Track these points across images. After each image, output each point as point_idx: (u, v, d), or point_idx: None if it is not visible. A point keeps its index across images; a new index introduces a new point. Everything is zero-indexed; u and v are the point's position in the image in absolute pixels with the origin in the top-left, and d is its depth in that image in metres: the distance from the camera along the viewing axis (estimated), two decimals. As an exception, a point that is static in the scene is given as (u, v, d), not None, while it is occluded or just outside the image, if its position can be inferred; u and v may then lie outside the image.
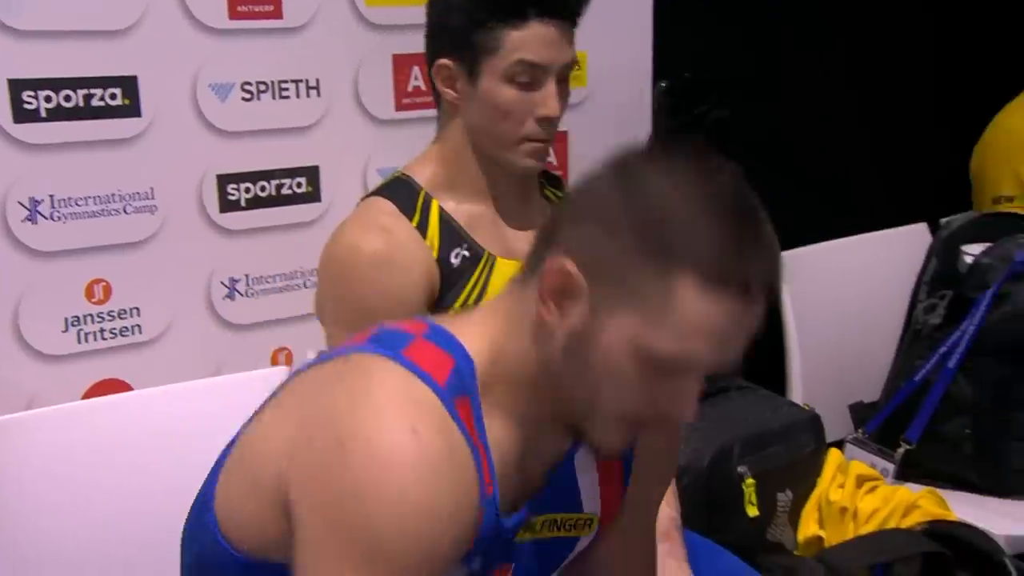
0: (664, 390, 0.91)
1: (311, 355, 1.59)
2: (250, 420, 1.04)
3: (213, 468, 1.07)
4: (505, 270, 1.52)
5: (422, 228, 1.49)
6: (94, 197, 1.70)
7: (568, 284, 0.91)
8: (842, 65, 2.82)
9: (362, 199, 1.57)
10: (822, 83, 2.77)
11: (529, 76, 1.45)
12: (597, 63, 2.15)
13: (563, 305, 0.92)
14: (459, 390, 0.93)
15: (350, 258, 1.47)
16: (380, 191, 1.55)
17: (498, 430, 0.96)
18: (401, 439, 0.87)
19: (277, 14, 1.83)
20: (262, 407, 1.03)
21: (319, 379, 0.98)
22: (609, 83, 2.21)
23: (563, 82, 1.50)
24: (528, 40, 1.43)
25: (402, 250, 1.46)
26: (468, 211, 1.54)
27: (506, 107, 1.46)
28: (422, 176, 1.54)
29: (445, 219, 1.51)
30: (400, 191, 1.52)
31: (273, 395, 1.03)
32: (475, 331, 0.97)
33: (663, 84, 2.27)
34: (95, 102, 1.68)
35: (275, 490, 0.93)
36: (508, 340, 0.96)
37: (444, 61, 1.48)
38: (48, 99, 1.64)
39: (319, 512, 0.88)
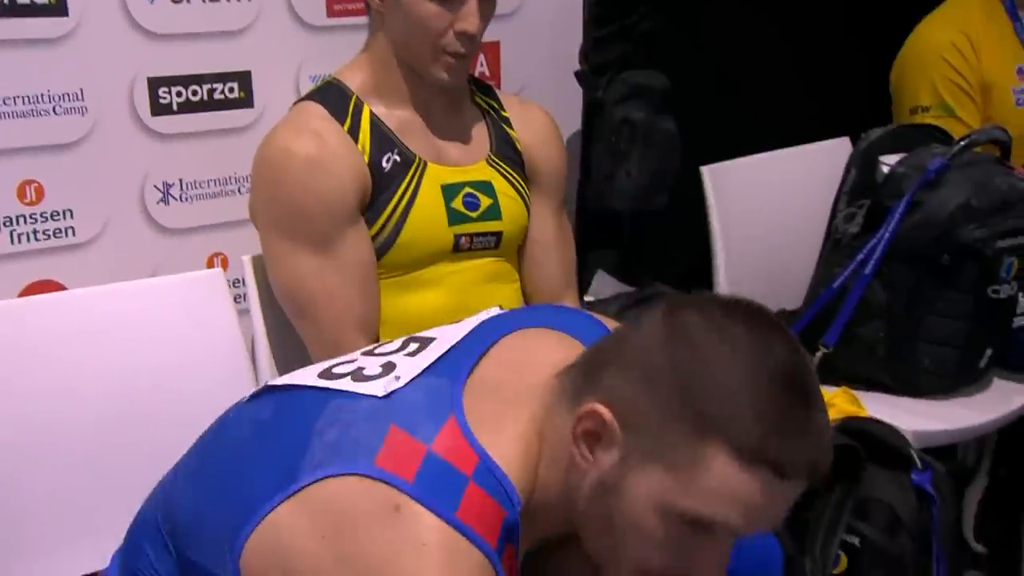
0: (690, 551, 0.92)
1: (246, 260, 1.61)
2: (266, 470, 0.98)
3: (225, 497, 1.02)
4: (436, 175, 1.55)
5: (353, 132, 1.51)
6: (23, 97, 1.69)
7: (603, 431, 0.92)
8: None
9: (294, 104, 1.58)
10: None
11: None
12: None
13: (595, 450, 0.93)
14: (506, 541, 0.93)
15: (282, 161, 1.48)
16: (312, 96, 1.56)
17: (524, 549, 0.99)
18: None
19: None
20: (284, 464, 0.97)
21: (365, 512, 0.91)
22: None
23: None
24: None
25: (334, 154, 1.48)
26: (399, 117, 1.55)
27: (425, 21, 1.47)
28: (353, 82, 1.55)
29: (376, 124, 1.52)
30: (332, 96, 1.53)
31: (289, 459, 0.96)
32: (521, 462, 0.95)
33: (593, -8, 2.27)
34: (22, 0, 1.66)
35: None
36: (547, 472, 0.96)
37: None
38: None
39: None
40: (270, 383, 1.12)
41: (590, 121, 2.34)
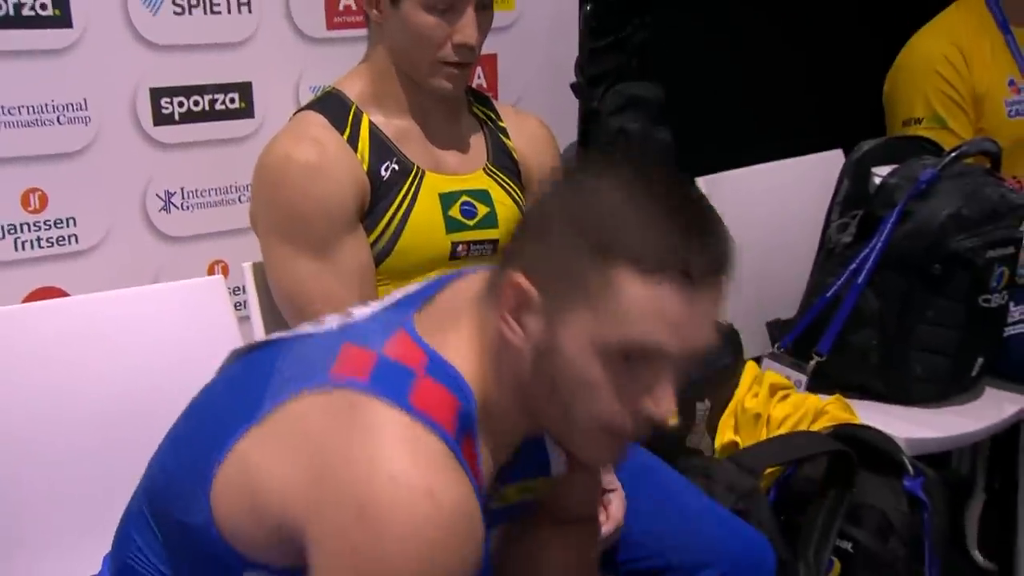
0: (635, 389, 0.93)
1: (246, 268, 1.63)
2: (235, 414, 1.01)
3: (187, 433, 1.08)
4: (433, 183, 1.57)
5: (352, 141, 1.53)
6: (27, 107, 1.71)
7: (522, 298, 0.94)
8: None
9: (294, 113, 1.60)
10: (746, 8, 2.81)
11: (447, 3, 1.48)
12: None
13: (523, 321, 0.95)
14: (464, 432, 0.95)
15: (282, 168, 1.50)
16: (312, 105, 1.58)
17: (488, 452, 1.00)
18: (420, 506, 0.87)
19: (209, -70, 1.84)
20: (245, 407, 1.00)
21: (322, 418, 0.95)
22: (537, 4, 2.24)
23: (484, 9, 1.53)
24: None
25: (333, 161, 1.50)
26: (397, 126, 1.57)
27: (423, 32, 1.49)
28: (352, 91, 1.57)
29: (375, 133, 1.54)
30: (331, 105, 1.56)
31: (259, 404, 0.99)
32: (471, 357, 0.98)
33: (588, 6, 2.30)
34: (26, 11, 1.68)
35: (278, 527, 0.94)
36: (493, 367, 0.98)
37: None
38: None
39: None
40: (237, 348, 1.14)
41: (586, 131, 2.36)
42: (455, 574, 0.89)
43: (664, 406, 0.93)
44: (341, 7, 2.02)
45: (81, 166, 1.78)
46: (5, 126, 1.70)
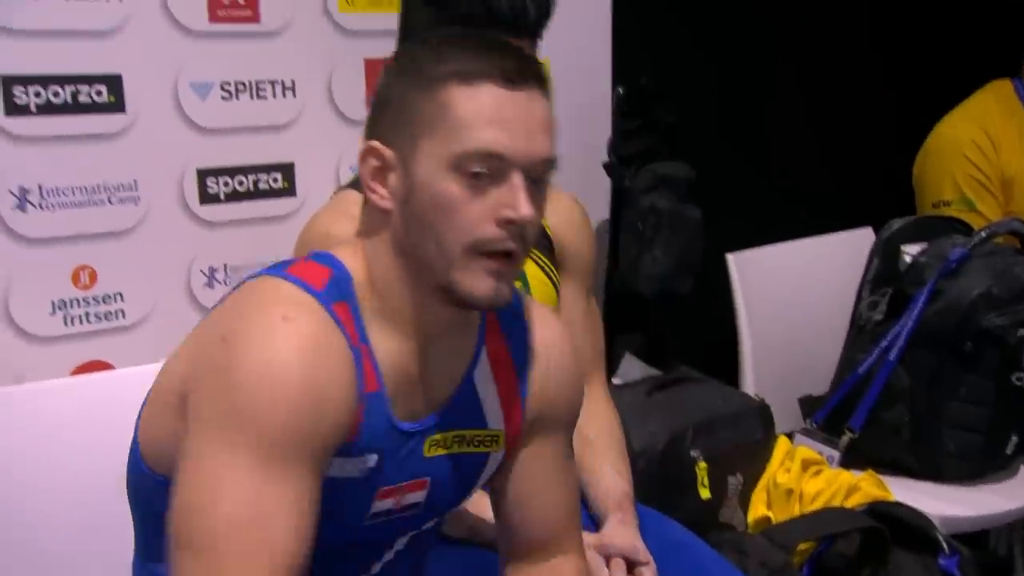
0: (493, 201, 1.01)
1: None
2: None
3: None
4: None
5: None
6: (80, 188, 1.77)
7: (379, 158, 1.04)
8: (794, 73, 2.90)
9: (335, 191, 1.65)
10: (775, 89, 2.86)
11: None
12: (558, 68, 2.21)
13: (384, 182, 1.05)
14: (337, 296, 1.03)
15: (322, 243, 1.54)
16: (352, 184, 1.62)
17: (383, 336, 1.06)
18: (272, 324, 0.98)
19: (255, 18, 1.91)
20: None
21: (221, 305, 1.07)
22: (569, 88, 2.27)
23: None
24: None
25: None
26: None
27: None
28: None
29: None
30: None
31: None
32: (350, 249, 1.09)
33: (620, 89, 2.35)
34: (82, 98, 1.75)
35: (180, 404, 1.02)
36: (375, 251, 1.07)
37: None
38: (38, 94, 1.71)
39: (203, 400, 0.98)
40: None
41: (617, 209, 2.40)
42: (297, 390, 0.96)
43: (521, 207, 1.00)
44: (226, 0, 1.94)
45: (130, 244, 1.83)
46: (60, 206, 1.75)
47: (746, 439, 1.88)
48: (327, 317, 1.01)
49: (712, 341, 2.34)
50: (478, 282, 1.03)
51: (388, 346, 1.06)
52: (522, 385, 1.19)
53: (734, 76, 2.74)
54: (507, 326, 1.18)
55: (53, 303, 1.78)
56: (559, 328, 1.24)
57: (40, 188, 1.73)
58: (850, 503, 1.82)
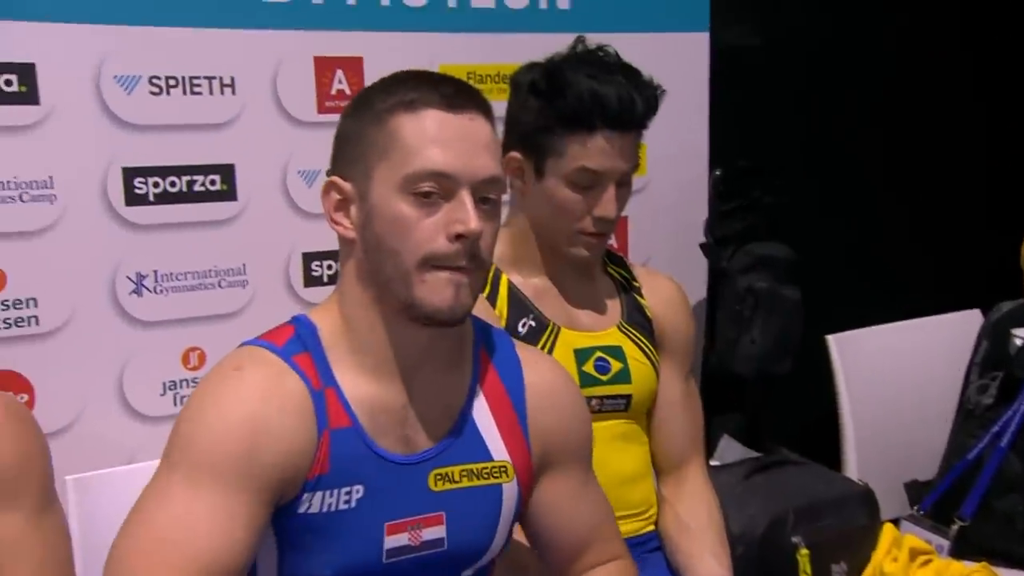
0: (443, 217, 1.09)
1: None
2: None
3: None
4: (569, 339, 1.62)
5: (492, 299, 1.60)
6: (192, 272, 1.83)
7: (337, 191, 1.13)
8: (896, 153, 2.88)
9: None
10: (876, 170, 2.83)
11: (590, 181, 1.56)
12: (656, 151, 2.24)
13: (347, 213, 1.13)
14: (299, 348, 1.13)
15: None
16: None
17: (355, 375, 1.14)
18: (223, 376, 1.11)
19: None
20: None
21: None
22: (667, 170, 2.30)
23: (623, 186, 1.60)
24: (591, 150, 1.54)
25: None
26: (534, 285, 1.64)
27: (567, 206, 1.58)
28: (494, 254, 1.65)
29: (513, 292, 1.62)
30: None
31: None
32: (326, 305, 1.19)
33: (718, 171, 2.36)
34: (197, 187, 1.82)
35: None
36: (346, 286, 1.16)
37: (514, 154, 1.61)
38: (156, 184, 1.78)
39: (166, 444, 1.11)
40: None
41: (715, 289, 2.39)
42: (239, 426, 1.06)
43: (470, 221, 1.08)
44: (333, 91, 1.94)
45: (43, 245, 1.72)
46: (172, 291, 1.81)
47: (850, 525, 1.84)
48: (285, 367, 1.11)
49: (811, 423, 2.30)
50: (435, 294, 1.10)
51: (360, 384, 1.14)
52: (521, 420, 1.24)
53: (834, 155, 2.72)
54: (501, 365, 1.25)
55: (164, 384, 1.83)
56: (552, 365, 1.32)
57: (155, 273, 1.80)
58: (963, 596, 1.76)
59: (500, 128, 1.22)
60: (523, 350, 1.29)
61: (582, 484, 1.32)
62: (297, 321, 1.17)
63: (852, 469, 2.15)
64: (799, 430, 2.43)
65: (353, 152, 1.13)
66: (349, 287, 1.16)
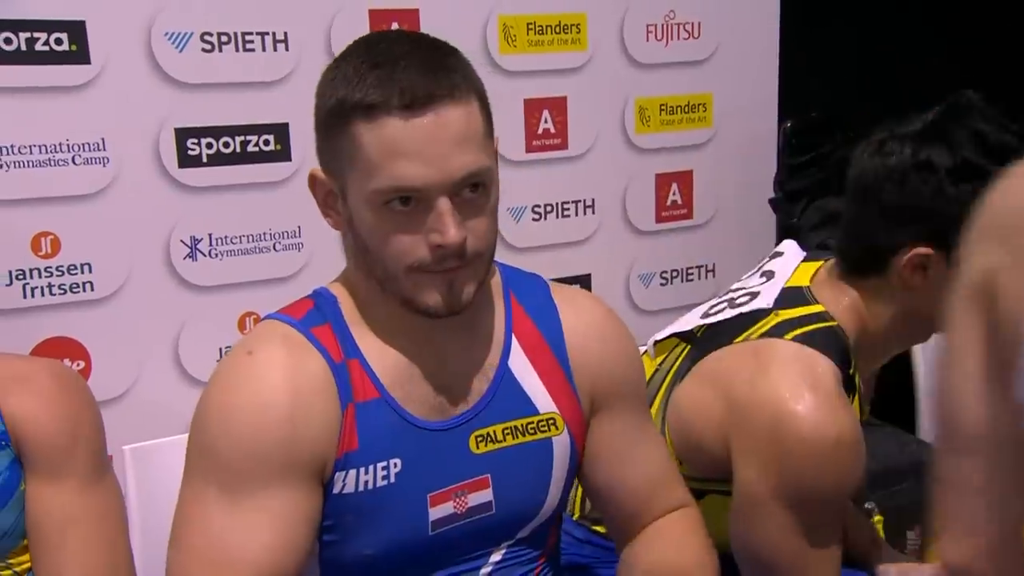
0: (422, 225, 1.02)
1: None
2: None
3: None
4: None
5: None
6: (247, 236, 1.81)
7: (323, 186, 1.08)
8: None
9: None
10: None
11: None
12: (723, 103, 2.20)
13: (336, 208, 1.08)
14: (318, 320, 1.09)
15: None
16: None
17: (377, 345, 1.10)
18: (235, 363, 1.06)
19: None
20: None
21: None
22: (735, 122, 2.25)
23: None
24: None
25: None
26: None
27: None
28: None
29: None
30: None
31: None
32: (345, 275, 1.15)
33: (788, 124, 2.30)
34: (251, 148, 1.79)
35: None
36: (353, 266, 1.12)
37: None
38: (210, 145, 1.76)
39: (187, 445, 1.07)
40: None
41: (784, 247, 2.34)
42: (253, 414, 1.02)
43: (447, 233, 1.01)
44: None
45: (97, 209, 1.71)
46: (227, 255, 1.80)
47: (925, 492, 1.79)
48: (303, 341, 1.07)
49: (886, 385, 2.24)
50: (429, 295, 1.05)
51: (386, 353, 1.10)
52: (564, 365, 1.18)
53: (909, 105, 2.63)
54: (534, 311, 1.18)
55: (220, 349, 1.83)
56: (592, 303, 1.24)
57: (210, 237, 1.79)
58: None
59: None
60: (558, 291, 1.23)
61: (638, 426, 1.24)
62: (317, 294, 1.13)
63: (927, 431, 2.09)
64: (874, 392, 2.37)
65: (328, 147, 1.06)
66: (354, 269, 1.12)
